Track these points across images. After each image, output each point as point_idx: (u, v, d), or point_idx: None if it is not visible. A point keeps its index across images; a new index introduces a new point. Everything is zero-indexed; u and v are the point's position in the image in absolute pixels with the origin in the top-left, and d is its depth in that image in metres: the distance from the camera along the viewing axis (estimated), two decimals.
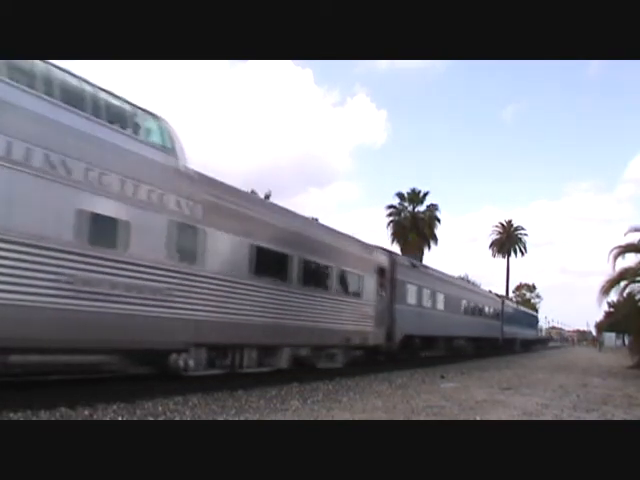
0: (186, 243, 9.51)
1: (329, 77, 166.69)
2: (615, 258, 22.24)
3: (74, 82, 8.34)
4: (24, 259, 6.94)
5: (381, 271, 17.28)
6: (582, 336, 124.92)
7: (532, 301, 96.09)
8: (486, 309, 32.52)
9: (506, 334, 37.01)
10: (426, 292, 21.74)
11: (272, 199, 26.14)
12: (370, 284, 16.34)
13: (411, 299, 19.99)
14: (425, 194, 51.86)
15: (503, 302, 38.33)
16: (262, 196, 28.16)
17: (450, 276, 28.58)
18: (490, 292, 40.14)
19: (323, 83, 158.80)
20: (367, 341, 15.98)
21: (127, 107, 9.27)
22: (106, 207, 8.09)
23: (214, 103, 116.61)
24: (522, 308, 53.33)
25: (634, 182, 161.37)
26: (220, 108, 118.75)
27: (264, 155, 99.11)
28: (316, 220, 20.23)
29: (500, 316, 35.65)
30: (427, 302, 21.93)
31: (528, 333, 49.81)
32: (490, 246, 78.32)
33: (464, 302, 27.69)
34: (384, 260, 17.80)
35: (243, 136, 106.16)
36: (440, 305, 23.59)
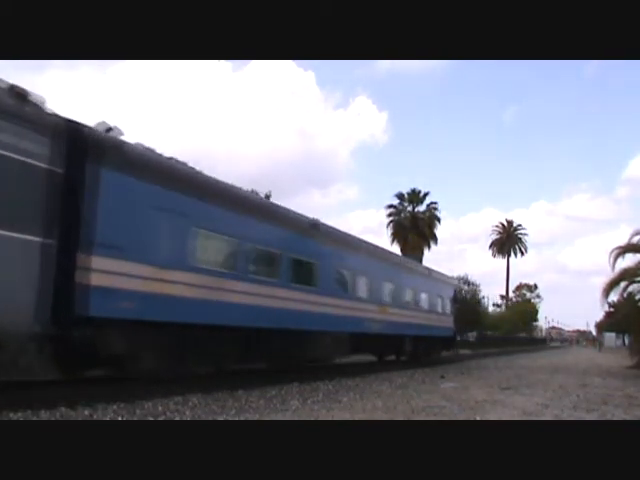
0: None
1: (331, 79, 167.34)
2: (615, 258, 22.28)
3: None
4: None
5: None
6: (582, 336, 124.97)
7: (532, 301, 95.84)
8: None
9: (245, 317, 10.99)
10: None
11: (273, 199, 25.95)
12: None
13: None
14: (425, 194, 51.89)
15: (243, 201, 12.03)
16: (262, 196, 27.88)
17: None
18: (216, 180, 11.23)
19: (325, 85, 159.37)
20: None
21: None
22: None
23: (217, 105, 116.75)
24: (383, 251, 20.63)
25: (633, 183, 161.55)
26: (223, 110, 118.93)
27: (266, 156, 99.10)
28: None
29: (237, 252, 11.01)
30: None
31: (403, 321, 19.15)
32: (490, 246, 78.50)
33: None
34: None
35: (246, 137, 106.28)
36: None
